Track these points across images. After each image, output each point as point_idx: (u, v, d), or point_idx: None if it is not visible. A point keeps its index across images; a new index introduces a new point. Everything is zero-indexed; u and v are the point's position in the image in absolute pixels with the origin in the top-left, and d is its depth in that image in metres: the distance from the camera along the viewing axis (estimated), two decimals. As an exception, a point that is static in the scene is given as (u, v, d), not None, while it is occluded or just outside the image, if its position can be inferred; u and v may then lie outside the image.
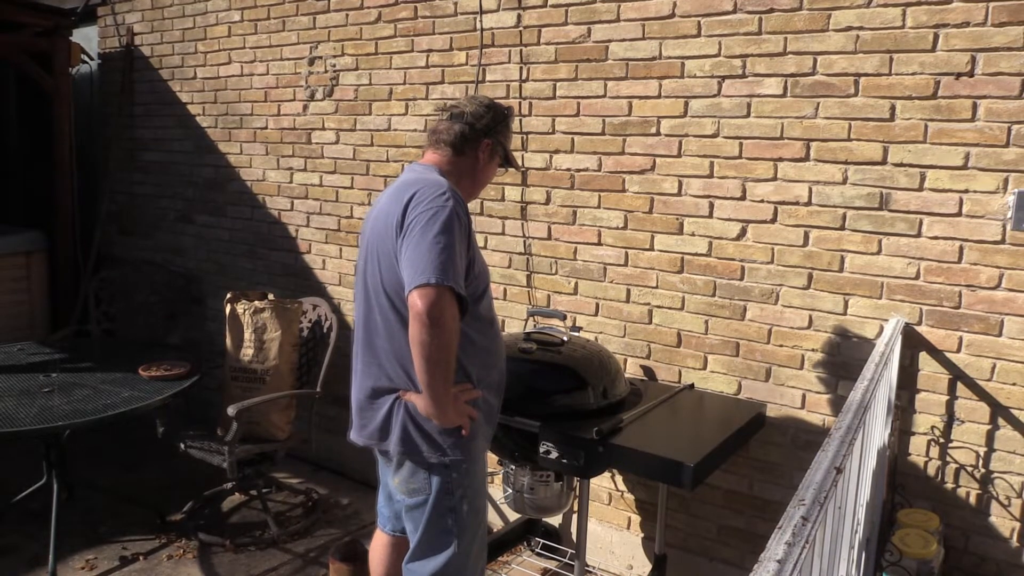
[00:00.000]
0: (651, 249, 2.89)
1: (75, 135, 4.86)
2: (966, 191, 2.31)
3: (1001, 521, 2.37)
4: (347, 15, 3.67)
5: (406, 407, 2.00)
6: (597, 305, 3.04)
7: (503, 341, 2.19)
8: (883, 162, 2.43)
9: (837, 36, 2.46)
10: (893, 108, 2.40)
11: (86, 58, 4.86)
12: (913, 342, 2.44)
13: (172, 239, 4.67)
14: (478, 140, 2.06)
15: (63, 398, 3.04)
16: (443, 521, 2.03)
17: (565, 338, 2.55)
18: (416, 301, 1.80)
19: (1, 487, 3.69)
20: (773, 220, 2.63)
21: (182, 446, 3.33)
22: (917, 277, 2.41)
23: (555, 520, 3.17)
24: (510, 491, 2.61)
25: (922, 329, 2.42)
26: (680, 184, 2.80)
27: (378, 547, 2.35)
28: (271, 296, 3.66)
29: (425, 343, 1.81)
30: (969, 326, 2.35)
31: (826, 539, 1.05)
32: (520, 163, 2.25)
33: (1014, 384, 2.31)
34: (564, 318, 2.68)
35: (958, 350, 2.38)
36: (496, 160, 2.15)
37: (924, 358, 2.43)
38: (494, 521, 3.36)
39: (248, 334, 3.40)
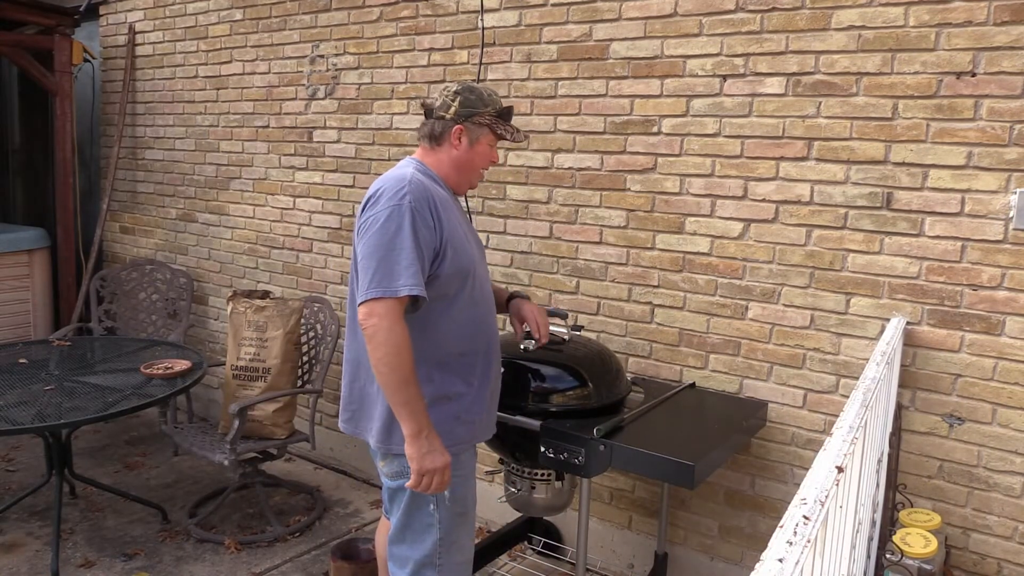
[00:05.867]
0: (652, 248, 2.89)
1: (77, 133, 4.87)
2: (968, 190, 2.31)
3: (1002, 520, 2.37)
4: (349, 14, 3.67)
5: (382, 398, 1.98)
6: (598, 304, 3.05)
7: (491, 335, 2.15)
8: (885, 161, 2.43)
9: (839, 35, 2.46)
10: (895, 107, 2.40)
11: (88, 56, 4.87)
12: (914, 341, 2.44)
13: (174, 237, 4.68)
14: (449, 128, 2.05)
15: (64, 396, 3.04)
16: (424, 507, 2.02)
17: (566, 337, 2.55)
18: (358, 315, 1.90)
19: (4, 485, 3.70)
20: (775, 219, 2.63)
21: (183, 444, 3.33)
22: (919, 276, 2.41)
23: (556, 519, 3.17)
24: (511, 490, 2.61)
25: (923, 328, 2.42)
26: (682, 183, 2.80)
27: (383, 532, 2.36)
28: (272, 294, 3.66)
29: (370, 355, 1.88)
30: (971, 325, 2.35)
31: (827, 538, 1.05)
32: (520, 138, 2.16)
33: (1015, 384, 2.31)
34: (566, 317, 2.68)
35: (959, 349, 2.38)
36: (483, 142, 2.09)
37: (925, 357, 2.43)
38: (494, 520, 3.36)
39: (249, 332, 3.41)
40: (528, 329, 2.35)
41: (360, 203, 2.05)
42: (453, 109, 2.05)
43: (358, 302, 1.90)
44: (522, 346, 2.50)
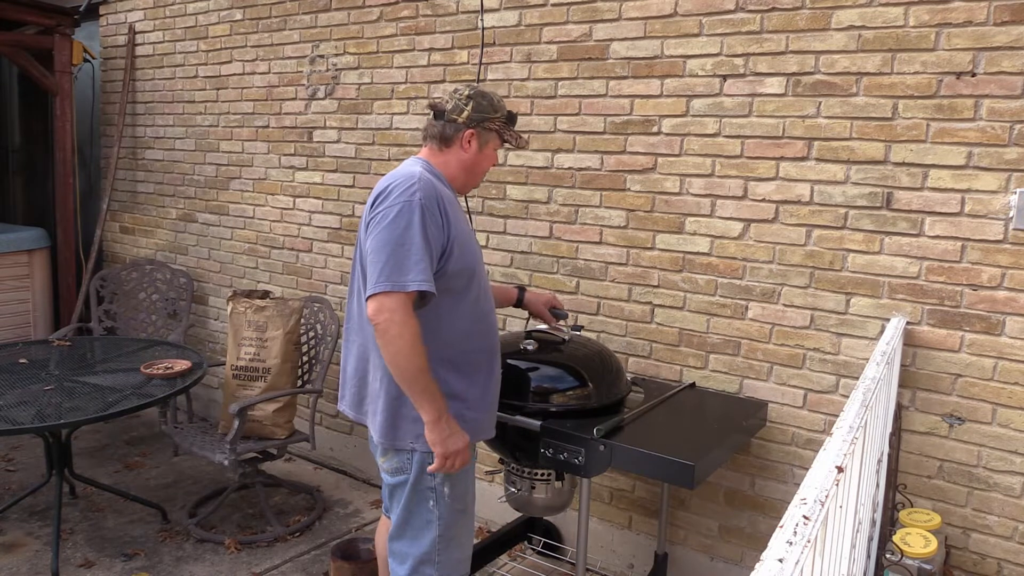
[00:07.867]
0: (652, 248, 2.89)
1: (77, 133, 4.87)
2: (968, 190, 2.31)
3: (1002, 520, 2.37)
4: (349, 14, 3.67)
5: (386, 392, 2.02)
6: (598, 304, 3.04)
7: (495, 334, 2.18)
8: (885, 161, 2.43)
9: (839, 35, 2.46)
10: (895, 107, 2.40)
11: (88, 56, 4.86)
12: (914, 341, 2.44)
13: (174, 237, 4.67)
14: (460, 132, 2.10)
15: (64, 396, 3.04)
16: (424, 503, 2.05)
17: (566, 337, 2.55)
18: (368, 310, 1.91)
19: (4, 485, 3.70)
20: (775, 219, 2.63)
21: (183, 444, 3.33)
22: (919, 276, 2.41)
23: (556, 519, 3.17)
24: (511, 490, 2.61)
25: (923, 328, 2.42)
26: (682, 183, 2.80)
27: (383, 532, 2.38)
28: (272, 294, 3.66)
29: (382, 349, 1.91)
30: (970, 325, 2.35)
31: (827, 538, 1.05)
32: (523, 143, 2.25)
33: (1015, 384, 2.31)
34: (566, 317, 2.68)
35: (959, 349, 2.38)
36: (491, 146, 2.17)
37: (925, 357, 2.43)
38: (494, 520, 3.36)
39: (249, 332, 3.41)
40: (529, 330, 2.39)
41: (363, 202, 2.07)
42: (466, 113, 2.10)
43: (366, 296, 1.91)
44: (522, 346, 2.50)
